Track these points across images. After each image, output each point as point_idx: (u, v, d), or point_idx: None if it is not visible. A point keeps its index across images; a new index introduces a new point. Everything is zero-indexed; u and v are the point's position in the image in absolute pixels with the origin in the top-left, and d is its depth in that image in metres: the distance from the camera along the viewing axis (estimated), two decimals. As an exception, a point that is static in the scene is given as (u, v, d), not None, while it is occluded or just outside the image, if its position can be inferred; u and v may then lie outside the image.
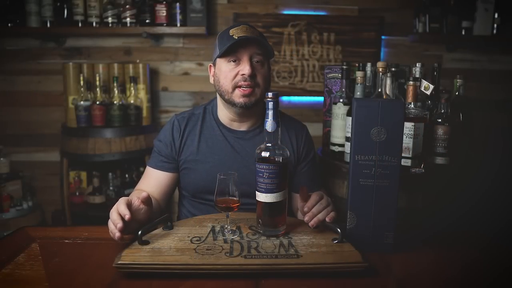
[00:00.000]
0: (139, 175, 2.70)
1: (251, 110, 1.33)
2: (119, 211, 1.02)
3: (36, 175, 2.93)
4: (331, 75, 1.72)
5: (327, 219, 1.09)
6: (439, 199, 1.49)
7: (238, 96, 1.29)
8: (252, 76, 1.27)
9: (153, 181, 1.39)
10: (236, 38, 1.24)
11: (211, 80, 1.38)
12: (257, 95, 1.30)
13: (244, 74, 1.27)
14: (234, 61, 1.28)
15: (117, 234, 1.00)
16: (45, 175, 2.93)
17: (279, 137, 1.07)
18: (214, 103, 1.45)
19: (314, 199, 1.12)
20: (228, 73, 1.29)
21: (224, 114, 1.40)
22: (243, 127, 1.40)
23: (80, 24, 2.62)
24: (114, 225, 1.01)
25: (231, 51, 1.27)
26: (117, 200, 1.08)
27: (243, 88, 1.28)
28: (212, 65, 1.38)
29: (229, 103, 1.32)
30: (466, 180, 1.54)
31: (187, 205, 1.44)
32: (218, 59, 1.32)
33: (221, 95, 1.35)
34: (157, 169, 1.39)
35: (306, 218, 1.10)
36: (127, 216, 1.00)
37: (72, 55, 2.83)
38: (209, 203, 1.37)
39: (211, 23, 2.81)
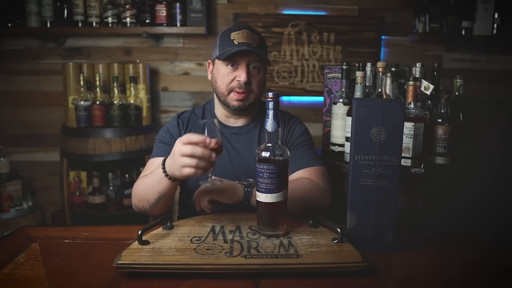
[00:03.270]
0: (139, 175, 2.69)
1: (245, 109, 1.38)
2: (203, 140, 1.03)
3: (36, 175, 2.93)
4: (331, 75, 1.72)
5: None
6: (439, 199, 1.49)
7: (232, 100, 1.35)
8: (248, 83, 1.32)
9: None
10: (237, 43, 1.29)
11: (209, 77, 1.43)
12: (251, 99, 1.36)
13: (239, 81, 1.31)
14: (232, 65, 1.32)
15: (209, 140, 1.01)
16: (45, 175, 2.93)
17: (279, 137, 1.07)
18: (212, 102, 1.49)
19: None
20: (226, 77, 1.33)
21: (220, 111, 1.45)
22: (238, 123, 1.45)
23: (80, 24, 2.62)
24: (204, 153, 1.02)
25: (230, 56, 1.30)
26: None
27: (238, 93, 1.33)
28: (211, 62, 1.41)
29: (224, 103, 1.38)
30: (466, 180, 1.54)
31: (188, 201, 1.44)
32: (217, 60, 1.35)
33: (217, 95, 1.40)
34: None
35: None
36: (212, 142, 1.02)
37: (72, 55, 2.84)
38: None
39: (211, 23, 2.81)
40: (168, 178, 1.15)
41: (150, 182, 1.23)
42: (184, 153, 1.03)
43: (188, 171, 1.04)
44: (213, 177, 1.11)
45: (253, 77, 1.34)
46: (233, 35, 1.31)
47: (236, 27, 1.35)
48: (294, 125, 1.47)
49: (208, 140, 1.03)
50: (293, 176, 1.36)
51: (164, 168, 1.15)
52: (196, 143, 1.03)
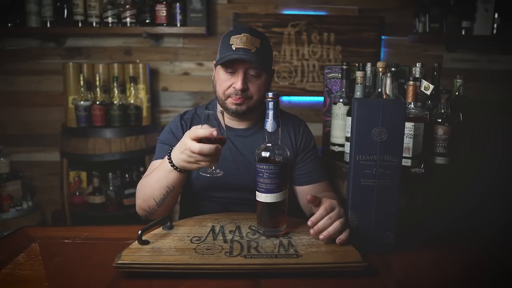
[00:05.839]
0: (139, 175, 2.70)
1: (244, 114, 1.35)
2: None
3: (36, 175, 2.93)
4: (331, 75, 1.72)
5: (337, 242, 1.01)
6: (439, 199, 1.49)
7: (230, 103, 1.32)
8: (244, 90, 1.29)
9: None
10: (234, 49, 1.25)
11: (213, 78, 1.40)
12: (249, 104, 1.32)
13: (235, 88, 1.28)
14: (230, 71, 1.29)
15: (215, 132, 1.02)
16: (45, 175, 2.93)
17: (279, 137, 1.07)
18: (215, 102, 1.46)
19: (320, 213, 1.03)
20: (224, 82, 1.31)
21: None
22: (242, 125, 1.42)
23: (80, 24, 2.62)
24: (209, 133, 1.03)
25: (227, 63, 1.28)
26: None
27: (234, 98, 1.30)
28: (214, 64, 1.38)
29: (223, 107, 1.36)
30: (466, 180, 1.53)
31: (189, 202, 1.44)
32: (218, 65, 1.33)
33: (216, 98, 1.38)
34: None
35: (311, 231, 1.03)
36: (214, 132, 1.02)
37: (72, 55, 2.84)
38: (212, 199, 1.39)
39: (211, 23, 2.81)
40: (177, 170, 1.14)
41: (156, 178, 1.20)
42: (193, 150, 1.04)
43: (196, 166, 1.08)
44: (213, 168, 1.11)
45: (252, 83, 1.30)
46: (232, 39, 1.27)
47: (237, 30, 1.31)
48: (305, 132, 1.47)
49: (215, 133, 1.03)
50: (312, 190, 1.37)
51: (171, 160, 1.14)
52: (203, 137, 1.04)
